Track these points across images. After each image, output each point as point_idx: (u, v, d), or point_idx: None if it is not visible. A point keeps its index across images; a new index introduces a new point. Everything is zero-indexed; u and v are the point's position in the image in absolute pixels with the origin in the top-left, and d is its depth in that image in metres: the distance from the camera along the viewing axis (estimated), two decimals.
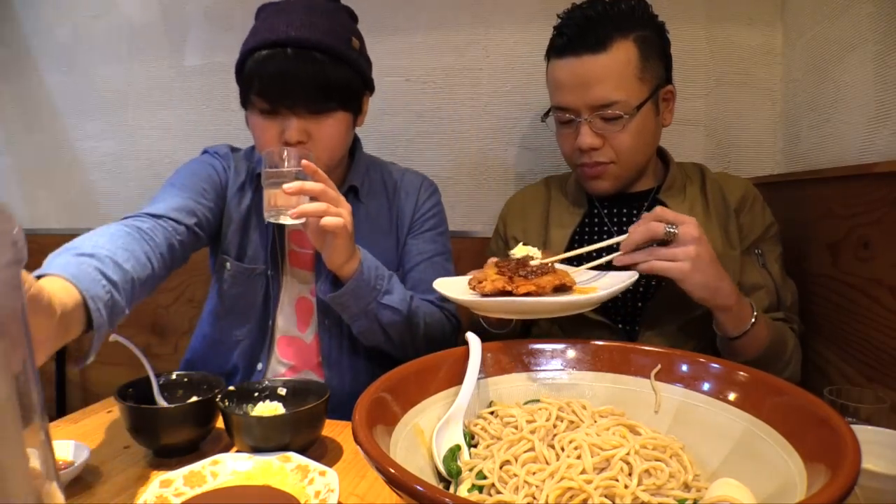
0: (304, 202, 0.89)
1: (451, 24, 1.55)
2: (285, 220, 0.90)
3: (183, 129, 1.78)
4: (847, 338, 1.01)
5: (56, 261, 0.72)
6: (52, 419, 0.99)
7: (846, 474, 0.45)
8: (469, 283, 0.86)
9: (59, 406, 1.81)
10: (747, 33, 1.41)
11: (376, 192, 1.17)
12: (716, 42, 1.42)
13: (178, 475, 0.73)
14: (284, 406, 0.87)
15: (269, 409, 0.86)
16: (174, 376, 0.93)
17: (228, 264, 1.13)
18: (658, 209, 0.85)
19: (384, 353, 1.10)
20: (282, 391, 0.90)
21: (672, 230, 0.82)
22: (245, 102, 1.03)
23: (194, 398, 0.88)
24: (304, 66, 0.95)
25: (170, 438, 0.83)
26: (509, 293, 0.79)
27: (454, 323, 1.14)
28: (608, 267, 0.91)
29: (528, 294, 0.78)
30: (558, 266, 0.87)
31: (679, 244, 0.82)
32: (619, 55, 0.98)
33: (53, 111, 1.88)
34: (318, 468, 0.73)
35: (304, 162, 0.89)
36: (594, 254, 0.97)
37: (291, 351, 1.15)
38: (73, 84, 1.85)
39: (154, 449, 0.85)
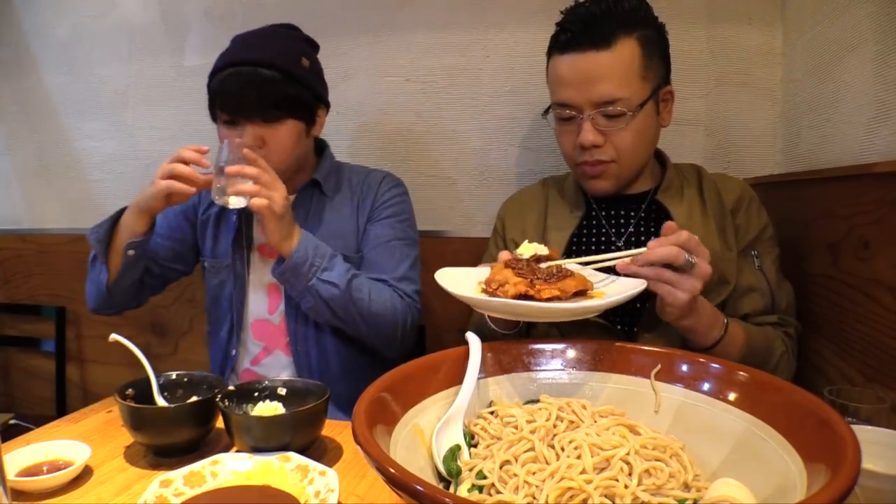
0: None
1: (451, 24, 1.55)
2: (229, 201, 1.02)
3: (183, 129, 1.78)
4: (847, 338, 1.01)
5: None
6: (52, 419, 0.99)
7: (846, 474, 0.45)
8: (488, 286, 0.83)
9: (59, 406, 1.81)
10: (747, 33, 1.40)
11: (341, 186, 1.28)
12: (716, 42, 1.42)
13: (178, 475, 0.73)
14: (284, 406, 0.87)
15: (269, 409, 0.86)
16: (174, 376, 0.93)
17: (205, 262, 1.30)
18: (685, 235, 0.81)
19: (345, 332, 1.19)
20: (282, 391, 0.90)
21: (691, 261, 0.80)
22: (213, 117, 1.18)
23: (194, 398, 0.88)
24: (256, 82, 1.09)
25: (170, 438, 0.83)
26: (531, 297, 0.77)
27: (409, 301, 1.20)
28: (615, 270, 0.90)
29: (550, 300, 0.76)
30: (574, 268, 0.84)
31: (690, 276, 0.80)
32: (622, 52, 0.97)
33: (54, 111, 1.88)
34: (318, 468, 0.73)
35: (244, 150, 1.03)
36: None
37: (262, 333, 1.26)
38: (74, 84, 1.84)
39: (154, 449, 0.85)
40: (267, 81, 1.10)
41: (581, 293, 0.80)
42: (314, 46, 1.25)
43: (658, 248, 0.80)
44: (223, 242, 1.26)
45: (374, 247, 1.23)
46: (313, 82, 1.18)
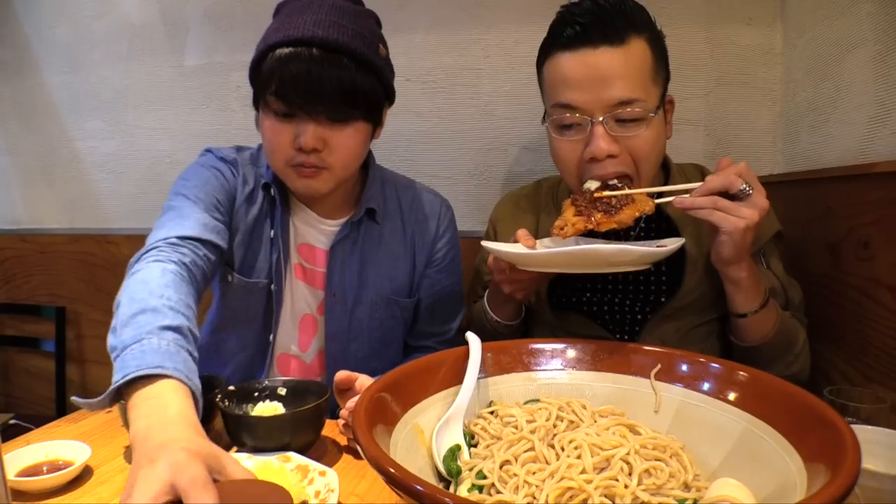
0: None
1: (451, 24, 1.55)
2: None
3: (183, 129, 1.78)
4: (847, 338, 1.01)
5: (162, 348, 0.70)
6: (51, 419, 0.99)
7: (846, 474, 0.45)
8: (552, 231, 0.89)
9: (59, 406, 1.81)
10: (747, 33, 1.40)
11: (391, 212, 1.13)
12: (716, 42, 1.42)
13: None
14: (284, 406, 0.87)
15: (269, 409, 0.86)
16: None
17: (230, 276, 1.06)
18: (742, 165, 0.83)
19: None
20: (282, 391, 0.90)
21: (748, 191, 0.81)
22: (258, 102, 0.96)
23: None
24: (330, 70, 0.89)
25: None
26: (592, 232, 0.82)
27: None
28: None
29: (608, 235, 0.81)
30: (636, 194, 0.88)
31: (746, 205, 0.81)
32: (636, 51, 0.91)
33: (54, 111, 1.88)
34: (318, 468, 0.73)
35: None
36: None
37: (290, 369, 1.11)
38: (74, 84, 1.84)
39: None
40: (344, 71, 0.90)
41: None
42: (379, 24, 1.06)
43: (715, 178, 0.82)
44: (257, 261, 1.06)
45: (440, 297, 1.15)
46: (389, 76, 1.01)
